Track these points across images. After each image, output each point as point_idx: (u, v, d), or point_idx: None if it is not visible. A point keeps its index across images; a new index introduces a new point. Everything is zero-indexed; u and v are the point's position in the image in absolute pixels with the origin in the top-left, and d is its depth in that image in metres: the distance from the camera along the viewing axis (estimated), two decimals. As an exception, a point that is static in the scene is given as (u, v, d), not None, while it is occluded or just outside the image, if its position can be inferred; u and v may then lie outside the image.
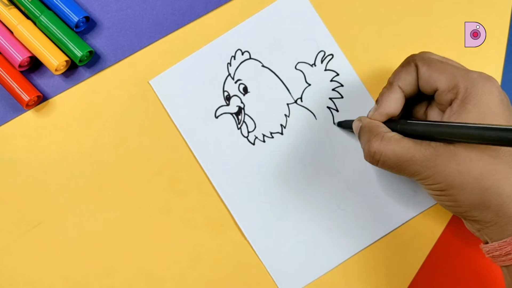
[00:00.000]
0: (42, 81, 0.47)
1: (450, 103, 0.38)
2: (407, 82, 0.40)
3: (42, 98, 0.47)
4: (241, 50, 0.47)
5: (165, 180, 0.47)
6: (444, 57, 0.41)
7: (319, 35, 0.47)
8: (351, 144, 0.46)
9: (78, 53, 0.45)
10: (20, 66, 0.46)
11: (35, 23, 0.45)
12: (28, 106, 0.46)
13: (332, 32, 0.47)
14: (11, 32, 0.46)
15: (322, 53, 0.47)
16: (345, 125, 0.45)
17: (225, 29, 0.47)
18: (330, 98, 0.47)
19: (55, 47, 0.45)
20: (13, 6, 0.46)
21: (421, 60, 0.40)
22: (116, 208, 0.46)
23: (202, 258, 0.46)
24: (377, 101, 0.41)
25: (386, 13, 0.47)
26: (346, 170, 0.46)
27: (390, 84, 0.41)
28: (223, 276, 0.46)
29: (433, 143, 0.37)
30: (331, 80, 0.47)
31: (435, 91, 0.39)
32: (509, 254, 0.37)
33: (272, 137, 0.47)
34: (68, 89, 0.47)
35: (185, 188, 0.47)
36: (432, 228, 0.46)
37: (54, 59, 0.45)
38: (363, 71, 0.47)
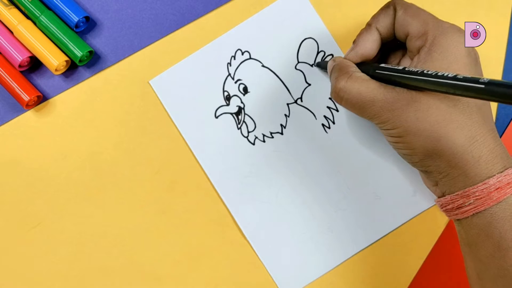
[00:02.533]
0: (42, 81, 0.47)
1: (419, 51, 0.39)
2: (385, 24, 0.41)
3: (42, 98, 0.47)
4: (241, 50, 0.47)
5: (165, 180, 0.47)
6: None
7: (319, 35, 0.47)
8: (351, 144, 0.46)
9: (78, 53, 0.45)
10: (20, 66, 0.46)
11: (35, 23, 0.45)
12: (28, 106, 0.46)
13: (332, 32, 0.47)
14: (11, 32, 0.46)
15: (322, 53, 0.47)
16: (323, 65, 0.45)
17: (225, 29, 0.47)
18: (330, 98, 0.47)
19: (55, 47, 0.45)
20: (13, 6, 0.46)
21: (399, 3, 0.40)
22: (116, 208, 0.46)
23: (202, 258, 0.46)
24: (354, 42, 0.42)
25: (386, 13, 0.47)
26: (346, 170, 0.46)
27: (368, 25, 0.42)
28: (223, 276, 0.46)
29: (397, 88, 0.38)
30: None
31: (407, 36, 0.40)
32: (461, 207, 0.37)
33: (272, 137, 0.47)
34: (68, 89, 0.47)
35: (185, 188, 0.47)
36: (432, 228, 0.46)
37: (54, 59, 0.45)
38: (363, 71, 0.47)
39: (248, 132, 0.47)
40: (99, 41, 0.47)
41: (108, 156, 0.47)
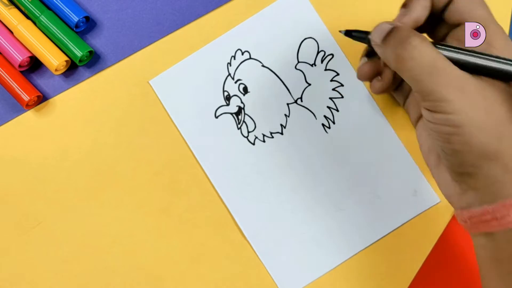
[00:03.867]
0: (42, 81, 0.47)
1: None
2: None
3: (42, 98, 0.47)
4: (241, 50, 0.47)
5: (165, 180, 0.47)
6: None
7: (319, 35, 0.47)
8: (352, 144, 0.46)
9: (78, 53, 0.45)
10: (20, 66, 0.46)
11: (35, 23, 0.45)
12: (28, 106, 0.46)
13: (332, 32, 0.47)
14: (11, 32, 0.46)
15: (322, 53, 0.47)
16: (357, 36, 0.41)
17: (225, 29, 0.47)
18: (330, 98, 0.47)
19: (55, 47, 0.45)
20: (13, 6, 0.46)
21: None
22: (116, 208, 0.46)
23: (202, 258, 0.46)
24: (404, 5, 0.38)
25: (386, 13, 0.47)
26: (346, 170, 0.46)
27: None
28: (223, 276, 0.46)
29: (463, 71, 0.34)
30: (331, 80, 0.47)
31: (460, 23, 0.37)
32: (505, 217, 0.33)
33: (272, 137, 0.47)
34: (68, 89, 0.47)
35: (185, 188, 0.47)
36: (432, 228, 0.46)
37: (54, 59, 0.45)
38: (363, 71, 0.47)
39: (248, 132, 0.47)
40: (99, 41, 0.47)
41: (108, 156, 0.47)
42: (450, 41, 0.38)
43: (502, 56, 0.35)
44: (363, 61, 0.42)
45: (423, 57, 0.34)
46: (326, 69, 0.47)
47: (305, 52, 0.47)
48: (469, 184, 0.35)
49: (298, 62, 0.47)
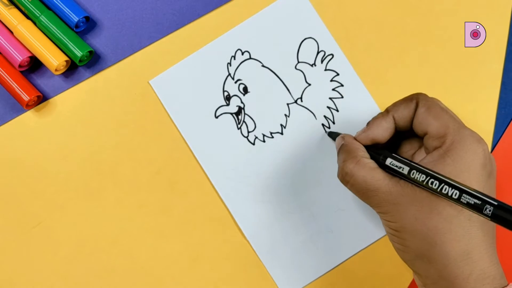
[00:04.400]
0: (42, 81, 0.47)
1: (432, 150, 0.38)
2: (403, 115, 0.40)
3: (42, 98, 0.47)
4: (241, 50, 0.47)
5: (165, 180, 0.47)
6: (446, 107, 0.41)
7: (319, 35, 0.47)
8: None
9: (78, 53, 0.45)
10: (20, 66, 0.46)
11: (35, 23, 0.45)
12: (28, 106, 0.46)
13: (332, 32, 0.47)
14: (11, 32, 0.46)
15: (322, 53, 0.47)
16: (334, 137, 0.45)
17: (225, 29, 0.47)
18: (330, 98, 0.47)
19: (55, 47, 0.45)
20: (13, 6, 0.46)
21: (423, 100, 0.40)
22: (116, 208, 0.46)
23: (202, 258, 0.46)
24: (368, 124, 0.41)
25: (386, 13, 0.47)
26: (346, 170, 0.46)
27: (386, 111, 0.41)
28: (223, 276, 0.46)
29: (402, 182, 0.38)
30: (331, 80, 0.47)
31: (425, 134, 0.39)
32: None
33: (272, 137, 0.47)
34: (68, 89, 0.47)
35: (185, 188, 0.47)
36: (432, 228, 0.46)
37: (54, 59, 0.45)
38: (363, 71, 0.47)
39: (248, 132, 0.47)
40: (99, 41, 0.47)
41: (108, 156, 0.47)
42: (423, 149, 0.40)
43: (450, 170, 0.37)
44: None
45: (355, 182, 0.39)
46: (326, 69, 0.47)
47: (305, 52, 0.47)
48: (419, 280, 0.39)
49: (298, 62, 0.47)
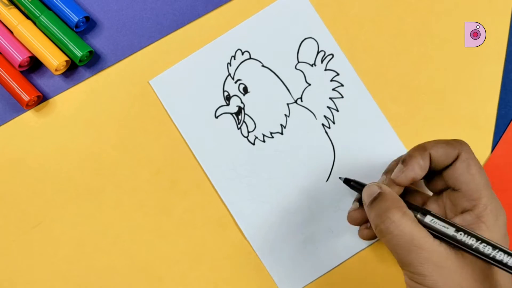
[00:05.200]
0: (42, 81, 0.47)
1: (461, 211, 0.37)
2: (441, 159, 0.38)
3: (42, 98, 0.47)
4: (241, 50, 0.47)
5: (165, 180, 0.47)
6: (481, 167, 0.39)
7: (319, 35, 0.47)
8: (351, 144, 0.46)
9: (78, 53, 0.45)
10: (20, 66, 0.46)
11: (35, 23, 0.45)
12: (28, 106, 0.46)
13: (332, 32, 0.47)
14: (11, 32, 0.46)
15: (322, 53, 0.47)
16: (354, 186, 0.42)
17: (225, 29, 0.47)
18: (330, 98, 0.47)
19: (55, 47, 0.45)
20: (13, 6, 0.46)
21: (466, 153, 0.38)
22: (116, 208, 0.46)
23: (202, 258, 0.46)
24: (404, 162, 0.39)
25: (386, 13, 0.47)
26: (346, 170, 0.46)
27: (423, 149, 0.38)
28: (223, 276, 0.46)
29: (445, 243, 0.36)
30: (331, 80, 0.47)
31: (455, 189, 0.38)
32: None
33: (272, 137, 0.47)
34: (68, 89, 0.47)
35: (185, 188, 0.47)
36: (432, 228, 0.46)
37: (54, 59, 0.45)
38: (363, 71, 0.47)
39: (248, 132, 0.47)
40: (99, 41, 0.47)
41: (108, 156, 0.47)
42: (445, 200, 0.39)
43: (485, 237, 0.36)
44: (354, 205, 0.43)
45: (401, 233, 0.36)
46: (326, 69, 0.47)
47: (305, 52, 0.47)
48: None
49: (298, 62, 0.47)
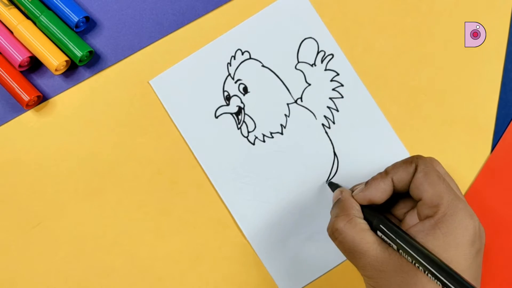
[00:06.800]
0: (42, 81, 0.47)
1: (425, 219, 0.38)
2: (401, 178, 0.40)
3: (42, 98, 0.47)
4: (241, 50, 0.47)
5: (165, 180, 0.47)
6: (446, 173, 0.41)
7: (319, 35, 0.47)
8: (351, 144, 0.46)
9: (78, 53, 0.45)
10: (20, 66, 0.46)
11: (35, 23, 0.45)
12: (28, 106, 0.46)
13: (332, 32, 0.47)
14: (11, 32, 0.46)
15: (322, 53, 0.47)
16: (334, 188, 0.44)
17: (225, 29, 0.47)
18: (330, 98, 0.47)
19: (55, 47, 0.45)
20: (13, 6, 0.46)
21: (422, 164, 0.40)
22: (116, 208, 0.46)
23: (202, 258, 0.46)
24: (367, 183, 0.41)
25: (386, 13, 0.47)
26: (346, 169, 0.46)
27: (385, 173, 0.41)
28: (223, 276, 0.46)
29: (390, 249, 0.38)
30: (331, 80, 0.47)
31: (420, 200, 0.39)
32: None
33: (272, 137, 0.47)
34: (68, 89, 0.47)
35: (185, 188, 0.47)
36: (432, 228, 0.46)
37: (54, 59, 0.45)
38: (363, 71, 0.47)
39: (248, 132, 0.47)
40: (99, 41, 0.47)
41: (108, 156, 0.47)
42: (417, 213, 0.40)
43: (438, 245, 0.36)
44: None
45: (343, 240, 0.39)
46: (326, 69, 0.47)
47: (305, 52, 0.47)
48: None
49: (298, 62, 0.47)
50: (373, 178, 0.41)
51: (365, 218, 0.40)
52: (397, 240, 0.37)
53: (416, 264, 0.36)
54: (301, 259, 0.46)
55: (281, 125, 0.47)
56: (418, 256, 0.36)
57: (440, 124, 0.47)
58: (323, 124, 0.47)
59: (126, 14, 0.47)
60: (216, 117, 0.47)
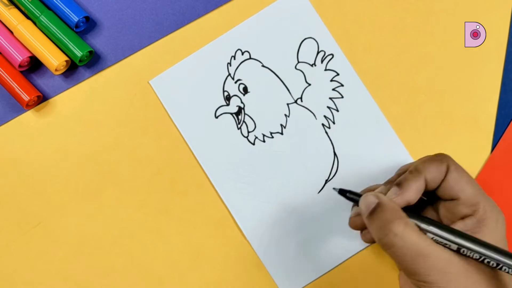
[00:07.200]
0: (42, 81, 0.47)
1: (462, 218, 0.38)
2: (435, 177, 0.39)
3: (42, 98, 0.47)
4: (241, 50, 0.47)
5: (165, 180, 0.47)
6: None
7: (319, 35, 0.47)
8: (351, 144, 0.46)
9: (78, 53, 0.45)
10: (20, 66, 0.46)
11: (35, 23, 0.45)
12: (28, 106, 0.46)
13: (332, 32, 0.47)
14: (11, 32, 0.46)
15: (322, 53, 0.47)
16: (349, 196, 0.41)
17: (225, 29, 0.47)
18: (330, 98, 0.47)
19: (55, 47, 0.45)
20: (13, 6, 0.46)
21: (454, 164, 0.39)
22: (116, 208, 0.46)
23: (202, 258, 0.46)
24: (399, 185, 0.39)
25: (386, 13, 0.47)
26: (346, 170, 0.46)
27: (418, 172, 0.39)
28: (223, 276, 0.46)
29: (447, 250, 0.36)
30: (331, 80, 0.47)
31: (453, 199, 0.38)
32: None
33: (272, 137, 0.47)
34: (68, 89, 0.47)
35: (185, 188, 0.47)
36: (432, 228, 0.46)
37: (54, 59, 0.45)
38: (363, 71, 0.47)
39: (248, 132, 0.47)
40: (99, 41, 0.47)
41: (108, 156, 0.47)
42: (441, 209, 0.40)
43: (488, 242, 0.36)
44: (355, 211, 0.42)
45: (406, 245, 0.35)
46: (326, 69, 0.47)
47: (305, 52, 0.47)
48: None
49: (298, 62, 0.47)
50: (406, 179, 0.39)
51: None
52: (457, 239, 0.36)
53: (486, 260, 0.35)
54: (301, 259, 0.46)
55: (281, 125, 0.47)
56: (484, 250, 0.35)
57: (440, 124, 0.47)
58: (323, 124, 0.47)
59: (126, 14, 0.47)
60: (216, 117, 0.47)
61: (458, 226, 0.38)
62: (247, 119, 0.47)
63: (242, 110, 0.47)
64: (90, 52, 0.46)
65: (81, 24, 0.46)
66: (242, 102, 0.47)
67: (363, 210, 0.38)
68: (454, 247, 0.36)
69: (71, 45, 0.45)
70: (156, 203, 0.47)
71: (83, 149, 0.47)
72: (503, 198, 0.46)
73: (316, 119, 0.47)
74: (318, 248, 0.46)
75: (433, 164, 0.39)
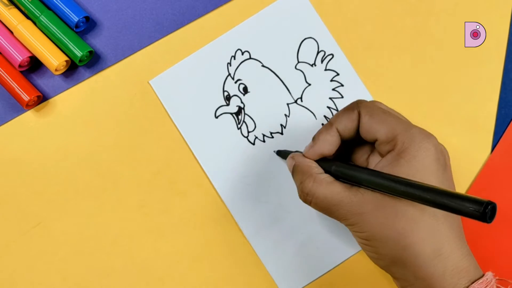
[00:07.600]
0: (42, 81, 0.47)
1: (386, 154, 0.39)
2: (346, 127, 0.40)
3: (42, 98, 0.47)
4: (241, 50, 0.47)
5: (165, 180, 0.47)
6: (389, 108, 0.42)
7: (319, 35, 0.47)
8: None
9: (78, 53, 0.45)
10: (20, 66, 0.46)
11: (35, 23, 0.45)
12: (28, 106, 0.46)
13: (332, 32, 0.47)
14: (11, 32, 0.46)
15: (322, 53, 0.47)
16: (283, 155, 0.45)
17: (225, 29, 0.47)
18: (330, 98, 0.47)
19: (55, 47, 0.45)
20: (13, 6, 0.46)
21: (364, 108, 0.40)
22: (116, 208, 0.46)
23: (202, 258, 0.46)
24: (313, 139, 0.41)
25: (386, 13, 0.47)
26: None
27: (329, 124, 0.41)
28: (223, 276, 0.46)
29: (362, 190, 0.38)
30: (331, 80, 0.47)
31: (375, 141, 0.39)
32: None
33: (272, 137, 0.47)
34: (68, 89, 0.47)
35: (185, 188, 0.47)
36: (432, 228, 0.46)
37: (54, 59, 0.45)
38: (363, 71, 0.47)
39: (248, 132, 0.47)
40: (99, 41, 0.47)
41: (108, 156, 0.47)
42: (377, 155, 0.41)
43: (405, 172, 0.37)
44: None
45: (317, 200, 0.39)
46: (326, 69, 0.47)
47: (305, 52, 0.47)
48: (398, 284, 0.39)
49: (298, 62, 0.47)
50: (319, 132, 0.41)
51: (326, 172, 0.40)
52: (360, 175, 0.37)
53: (392, 193, 0.36)
54: (301, 259, 0.46)
55: (281, 125, 0.47)
56: (387, 183, 0.36)
57: (440, 124, 0.47)
58: (323, 124, 0.47)
59: (126, 14, 0.47)
60: (216, 117, 0.47)
61: (381, 163, 0.38)
62: (247, 119, 0.47)
63: (242, 110, 0.47)
64: (90, 52, 0.46)
65: (81, 24, 0.46)
66: (242, 102, 0.47)
67: (288, 168, 0.42)
68: (361, 184, 0.38)
69: (71, 45, 0.45)
70: (156, 203, 0.47)
71: (83, 149, 0.47)
72: (503, 198, 0.46)
73: (316, 119, 0.47)
74: (318, 248, 0.46)
75: (344, 114, 0.40)
